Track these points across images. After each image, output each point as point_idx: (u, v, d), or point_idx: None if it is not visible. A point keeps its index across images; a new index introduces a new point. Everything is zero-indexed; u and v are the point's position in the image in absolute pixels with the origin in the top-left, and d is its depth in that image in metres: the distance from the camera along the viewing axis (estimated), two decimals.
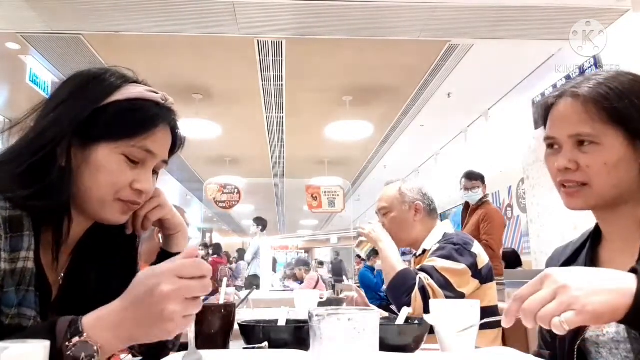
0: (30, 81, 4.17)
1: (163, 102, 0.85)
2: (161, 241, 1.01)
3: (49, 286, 0.79)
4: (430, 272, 1.56)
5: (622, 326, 0.86)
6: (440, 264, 1.58)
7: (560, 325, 0.63)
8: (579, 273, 0.68)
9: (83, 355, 0.61)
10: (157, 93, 0.85)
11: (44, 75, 4.35)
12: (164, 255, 0.98)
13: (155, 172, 0.88)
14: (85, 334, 0.62)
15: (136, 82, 0.86)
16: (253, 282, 5.73)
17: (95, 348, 0.62)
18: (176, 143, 0.91)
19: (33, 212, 0.75)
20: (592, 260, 0.97)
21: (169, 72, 4.64)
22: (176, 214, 0.97)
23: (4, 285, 0.70)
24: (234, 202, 7.33)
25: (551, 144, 0.94)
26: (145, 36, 3.85)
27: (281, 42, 4.08)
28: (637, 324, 0.66)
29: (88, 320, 0.64)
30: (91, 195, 0.80)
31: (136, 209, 0.86)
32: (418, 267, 1.65)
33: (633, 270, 0.67)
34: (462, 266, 1.58)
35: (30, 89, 4.21)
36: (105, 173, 0.79)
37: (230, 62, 4.50)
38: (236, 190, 7.33)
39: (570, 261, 1.02)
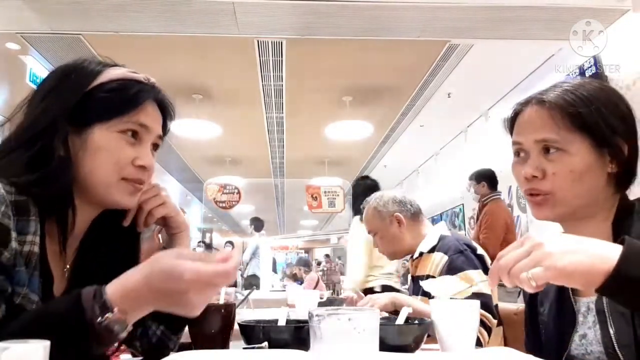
0: (30, 81, 4.17)
1: (146, 81, 0.87)
2: (161, 241, 1.01)
3: (51, 276, 0.79)
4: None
5: (604, 346, 0.85)
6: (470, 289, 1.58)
7: (528, 281, 0.63)
8: (560, 236, 0.68)
9: (116, 328, 0.63)
10: (138, 74, 0.87)
11: (44, 76, 4.35)
12: None
13: (154, 149, 0.89)
14: (116, 309, 0.63)
15: (115, 65, 0.88)
16: (252, 282, 5.74)
17: (126, 323, 0.64)
18: (166, 118, 0.92)
19: (37, 199, 0.75)
20: None
21: (169, 72, 4.64)
22: (180, 212, 0.98)
23: (16, 264, 0.71)
24: (233, 202, 7.33)
25: (518, 150, 0.94)
26: (145, 36, 3.85)
27: (281, 42, 4.08)
28: (613, 291, 0.64)
29: (113, 294, 0.64)
30: (95, 179, 0.81)
31: (142, 189, 0.87)
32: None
33: (622, 242, 0.65)
34: (477, 271, 1.61)
35: (31, 89, 4.19)
36: (105, 153, 0.80)
37: (230, 62, 4.49)
38: (236, 190, 7.34)
39: None
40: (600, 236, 0.88)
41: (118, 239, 0.91)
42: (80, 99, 0.81)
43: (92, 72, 0.84)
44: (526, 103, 0.94)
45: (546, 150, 0.88)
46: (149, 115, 0.85)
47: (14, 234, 0.70)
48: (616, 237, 0.86)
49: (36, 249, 0.74)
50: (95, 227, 0.89)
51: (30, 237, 0.73)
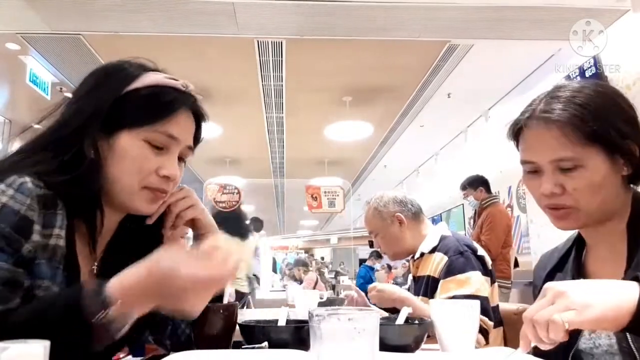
0: (30, 81, 4.17)
1: (184, 88, 0.86)
2: (186, 243, 1.00)
3: (78, 272, 0.79)
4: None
5: (615, 339, 0.86)
6: (464, 290, 1.55)
7: (562, 324, 0.62)
8: (578, 282, 0.68)
9: (112, 326, 0.64)
10: (176, 80, 0.86)
11: (44, 76, 4.35)
12: None
13: (182, 159, 0.88)
14: (113, 308, 0.63)
15: (155, 70, 0.87)
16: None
17: (124, 321, 0.65)
18: (199, 127, 0.91)
19: (66, 198, 0.76)
20: (579, 272, 0.96)
21: (169, 72, 4.63)
22: (208, 214, 0.97)
23: (36, 257, 0.71)
24: (234, 203, 7.31)
25: (531, 167, 0.92)
26: (145, 36, 3.85)
27: (281, 43, 4.08)
28: (637, 332, 0.66)
29: (114, 291, 0.64)
30: (118, 185, 0.81)
31: (164, 198, 0.86)
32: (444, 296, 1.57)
33: (635, 279, 0.66)
34: (476, 272, 1.59)
35: (31, 90, 4.20)
36: (129, 160, 0.80)
37: (230, 62, 4.50)
38: (236, 191, 7.32)
39: (557, 269, 1.01)
40: (616, 237, 0.89)
41: (144, 239, 0.90)
42: (113, 102, 0.80)
43: (128, 75, 0.83)
44: (530, 117, 0.91)
45: (562, 166, 0.87)
46: (180, 125, 0.83)
47: (37, 227, 0.71)
48: (631, 238, 0.87)
49: (62, 242, 0.74)
50: (123, 226, 0.89)
51: (56, 230, 0.74)
